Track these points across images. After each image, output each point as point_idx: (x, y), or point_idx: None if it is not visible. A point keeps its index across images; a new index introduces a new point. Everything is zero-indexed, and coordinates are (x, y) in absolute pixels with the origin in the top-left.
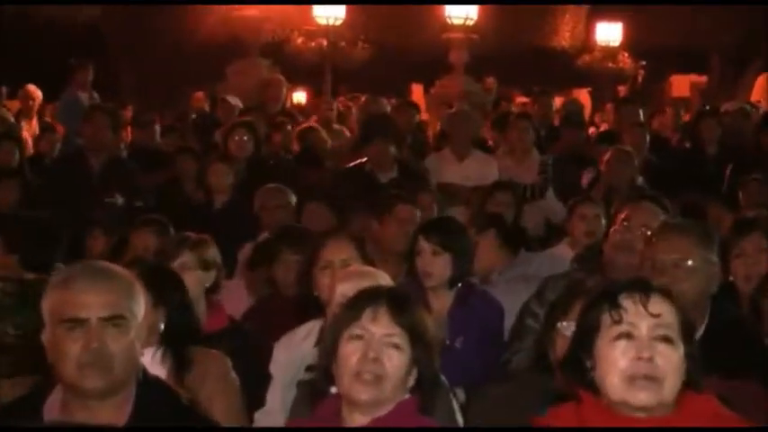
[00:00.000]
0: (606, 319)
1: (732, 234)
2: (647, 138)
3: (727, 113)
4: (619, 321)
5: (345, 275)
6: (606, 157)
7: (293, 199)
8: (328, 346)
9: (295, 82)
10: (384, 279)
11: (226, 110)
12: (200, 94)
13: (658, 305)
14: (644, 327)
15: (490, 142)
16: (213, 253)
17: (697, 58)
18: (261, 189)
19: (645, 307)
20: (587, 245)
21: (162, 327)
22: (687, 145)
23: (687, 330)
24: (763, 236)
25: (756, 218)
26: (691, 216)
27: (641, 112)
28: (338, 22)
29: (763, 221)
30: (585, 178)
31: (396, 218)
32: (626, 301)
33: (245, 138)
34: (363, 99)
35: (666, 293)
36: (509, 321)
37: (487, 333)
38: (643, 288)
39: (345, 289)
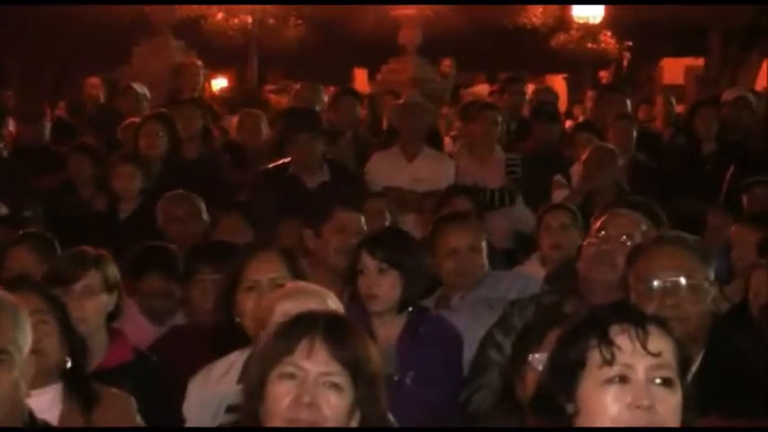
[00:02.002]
0: (595, 356)
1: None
2: (635, 133)
3: (726, 104)
4: (611, 362)
5: (287, 293)
6: (584, 156)
7: (203, 207)
8: (255, 385)
9: (215, 67)
10: (332, 300)
11: (130, 99)
12: (94, 79)
13: (657, 342)
14: (641, 369)
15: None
16: (115, 271)
17: (693, 39)
18: (163, 197)
19: (644, 345)
20: (561, 261)
21: (68, 362)
22: (680, 141)
23: (684, 367)
24: (754, 229)
25: (754, 214)
26: (687, 226)
27: (629, 102)
28: None
29: None
30: (557, 194)
31: (335, 227)
32: (620, 337)
33: (160, 133)
34: (297, 86)
35: (664, 325)
36: (470, 352)
37: (443, 366)
38: (638, 320)
39: (288, 308)
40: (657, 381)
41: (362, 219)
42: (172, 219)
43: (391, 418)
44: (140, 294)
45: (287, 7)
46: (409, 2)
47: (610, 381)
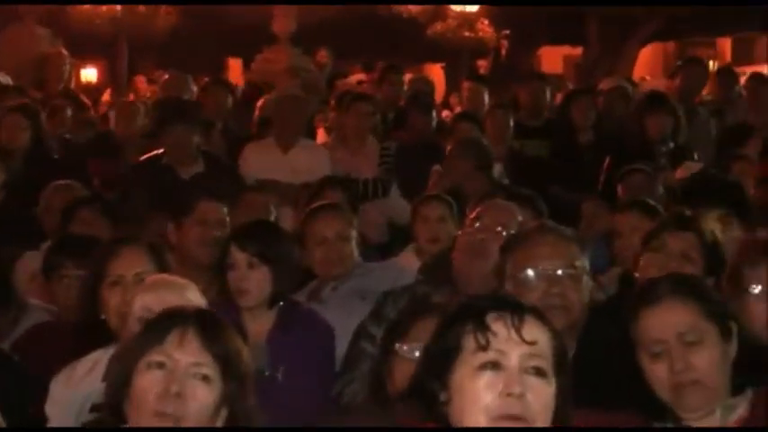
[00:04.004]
0: (470, 342)
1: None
2: (511, 122)
3: (602, 93)
4: (485, 348)
5: (148, 285)
6: (449, 147)
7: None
8: (120, 376)
9: (83, 56)
10: (193, 293)
11: None
12: None
13: (533, 331)
14: (515, 356)
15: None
16: None
17: (571, 27)
18: (48, 187)
19: (518, 332)
20: (435, 252)
21: None
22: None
23: (561, 359)
24: (644, 216)
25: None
26: (562, 216)
27: (548, 90)
28: None
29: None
30: (434, 185)
31: (197, 219)
32: (495, 324)
33: (22, 126)
34: (165, 77)
35: (541, 316)
36: (342, 345)
37: (315, 361)
38: (515, 308)
39: (148, 301)
40: (531, 370)
41: (225, 210)
42: (49, 209)
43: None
44: None
45: None
46: None
47: (483, 366)
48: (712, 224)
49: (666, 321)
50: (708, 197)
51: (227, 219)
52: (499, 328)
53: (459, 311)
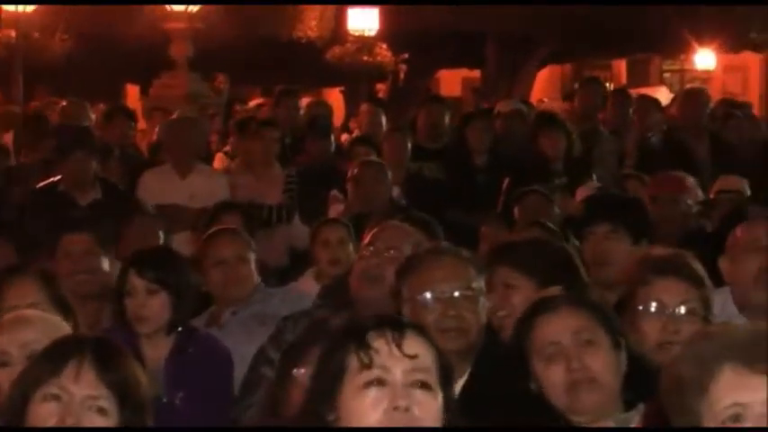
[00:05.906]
0: (353, 362)
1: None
2: (409, 145)
3: (500, 116)
4: (369, 365)
5: None
6: (351, 171)
7: None
8: (15, 406)
9: None
10: (54, 328)
11: None
12: None
13: (414, 345)
14: (398, 371)
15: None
16: None
17: (469, 49)
18: None
19: (399, 347)
20: (334, 275)
21: None
22: (452, 153)
23: (445, 374)
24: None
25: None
26: (459, 238)
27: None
28: (30, 9)
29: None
30: (334, 210)
31: (63, 253)
32: (377, 341)
33: None
34: (63, 104)
35: (422, 332)
36: (241, 370)
37: (213, 386)
38: (395, 325)
39: None
40: (416, 384)
41: (91, 238)
42: None
43: None
44: None
45: (52, 21)
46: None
47: (368, 384)
48: (602, 239)
49: (562, 324)
50: (598, 214)
51: (96, 246)
52: (381, 345)
53: (342, 333)
